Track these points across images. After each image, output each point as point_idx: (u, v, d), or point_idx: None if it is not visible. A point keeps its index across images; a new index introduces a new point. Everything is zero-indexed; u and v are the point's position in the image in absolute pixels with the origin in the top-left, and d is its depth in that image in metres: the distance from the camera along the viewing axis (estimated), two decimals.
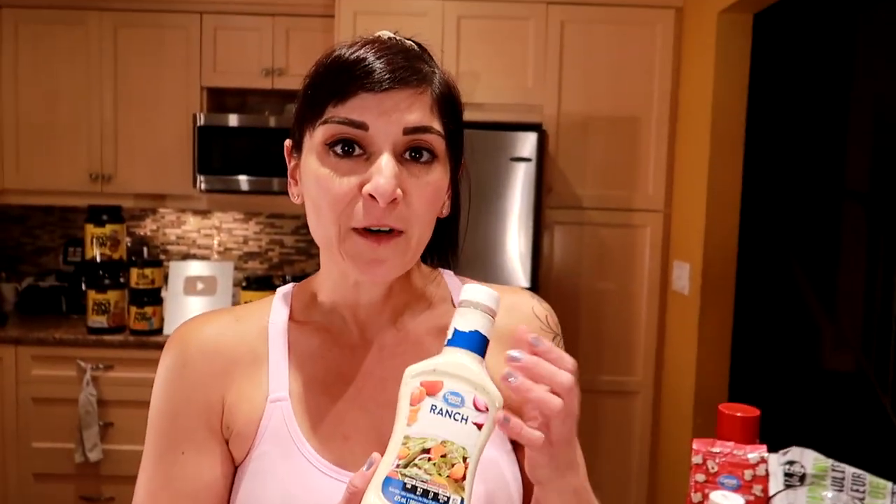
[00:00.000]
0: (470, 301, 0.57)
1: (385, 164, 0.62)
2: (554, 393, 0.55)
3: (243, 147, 2.75)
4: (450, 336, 0.56)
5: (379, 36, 0.67)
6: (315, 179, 0.65)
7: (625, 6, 2.56)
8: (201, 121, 2.72)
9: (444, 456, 0.53)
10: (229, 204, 3.03)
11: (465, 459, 0.53)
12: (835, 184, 2.80)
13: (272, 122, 2.74)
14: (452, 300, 0.77)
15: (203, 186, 2.75)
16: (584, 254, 2.64)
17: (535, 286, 2.45)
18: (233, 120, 2.73)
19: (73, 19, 2.82)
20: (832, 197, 2.80)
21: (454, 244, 0.79)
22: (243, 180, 2.74)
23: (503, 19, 2.58)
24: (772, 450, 0.83)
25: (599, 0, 2.56)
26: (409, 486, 0.52)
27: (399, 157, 0.64)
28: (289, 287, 0.77)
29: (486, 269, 2.43)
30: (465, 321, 0.56)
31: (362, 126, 0.63)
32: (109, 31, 2.82)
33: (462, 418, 0.54)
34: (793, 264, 2.89)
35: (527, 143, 2.41)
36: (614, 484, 2.69)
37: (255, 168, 2.74)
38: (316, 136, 0.65)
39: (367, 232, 0.63)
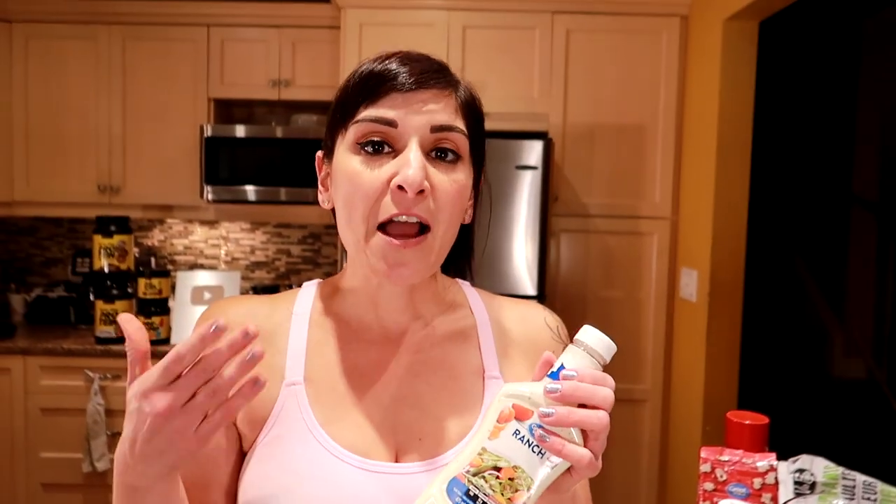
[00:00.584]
0: (584, 343, 0.58)
1: (413, 156, 0.64)
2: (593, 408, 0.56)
3: (250, 158, 2.76)
4: (554, 369, 0.57)
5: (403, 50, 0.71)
6: (347, 176, 0.67)
7: (630, 15, 2.57)
8: (209, 132, 2.74)
9: (511, 479, 0.55)
10: (236, 214, 3.05)
11: (528, 489, 0.55)
12: (842, 189, 2.79)
13: (279, 132, 2.75)
14: (470, 307, 0.79)
15: (210, 197, 2.76)
16: (591, 262, 2.64)
17: (542, 294, 2.44)
18: (240, 131, 2.75)
19: (83, 33, 2.85)
20: (840, 203, 2.79)
21: (470, 255, 0.82)
22: (250, 191, 2.76)
23: (509, 29, 2.59)
24: (781, 458, 0.83)
25: (605, 9, 2.57)
26: (471, 494, 0.55)
27: (426, 155, 0.66)
28: (314, 281, 0.80)
29: (492, 276, 2.42)
30: (573, 360, 0.57)
31: (391, 123, 0.65)
32: (118, 44, 2.85)
33: (539, 452, 0.56)
34: (801, 270, 2.88)
35: (533, 152, 2.41)
36: (623, 493, 2.67)
37: (262, 178, 2.75)
38: (348, 137, 0.68)
39: (393, 234, 0.65)
